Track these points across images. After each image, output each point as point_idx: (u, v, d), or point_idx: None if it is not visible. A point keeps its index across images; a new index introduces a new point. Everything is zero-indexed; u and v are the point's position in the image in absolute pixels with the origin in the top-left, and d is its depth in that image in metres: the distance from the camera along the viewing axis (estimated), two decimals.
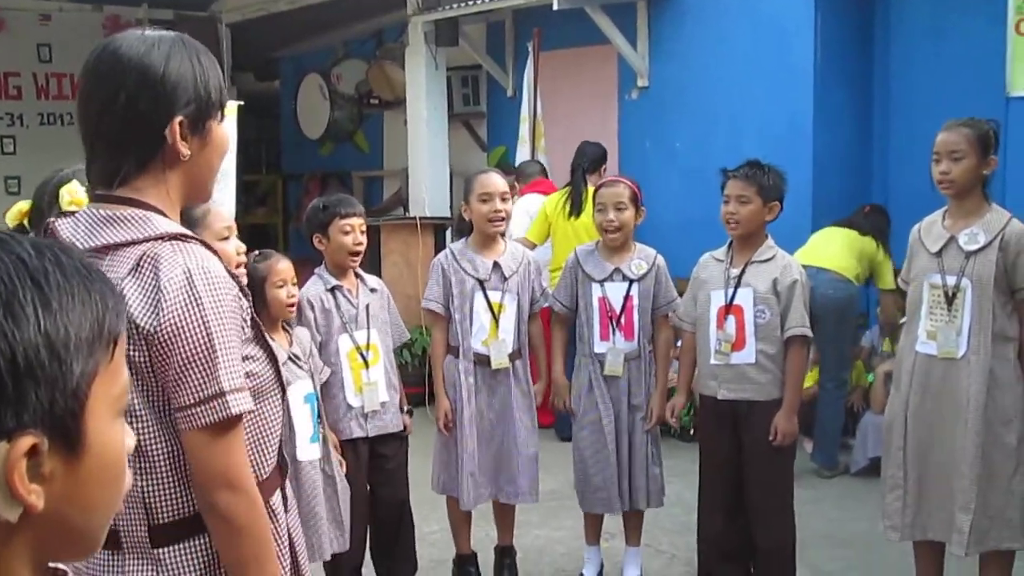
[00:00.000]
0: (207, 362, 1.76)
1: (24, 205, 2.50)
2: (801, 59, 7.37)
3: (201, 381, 1.76)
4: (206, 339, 1.76)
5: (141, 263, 1.77)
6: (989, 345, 3.91)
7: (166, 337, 1.74)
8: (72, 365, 0.96)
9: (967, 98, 6.59)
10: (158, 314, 1.74)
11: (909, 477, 4.11)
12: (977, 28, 7.02)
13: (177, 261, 1.77)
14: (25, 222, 2.47)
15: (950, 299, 3.99)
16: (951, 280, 4.00)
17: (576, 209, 7.00)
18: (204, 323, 1.76)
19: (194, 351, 1.75)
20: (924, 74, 7.35)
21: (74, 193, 2.31)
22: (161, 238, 1.80)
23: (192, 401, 1.76)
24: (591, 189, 6.93)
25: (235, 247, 3.09)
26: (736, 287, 4.37)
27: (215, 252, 1.88)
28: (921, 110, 7.08)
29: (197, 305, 1.76)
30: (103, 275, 1.05)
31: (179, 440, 1.81)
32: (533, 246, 6.94)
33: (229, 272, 1.87)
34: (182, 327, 1.74)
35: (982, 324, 3.92)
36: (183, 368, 1.75)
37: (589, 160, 7.35)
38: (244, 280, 3.12)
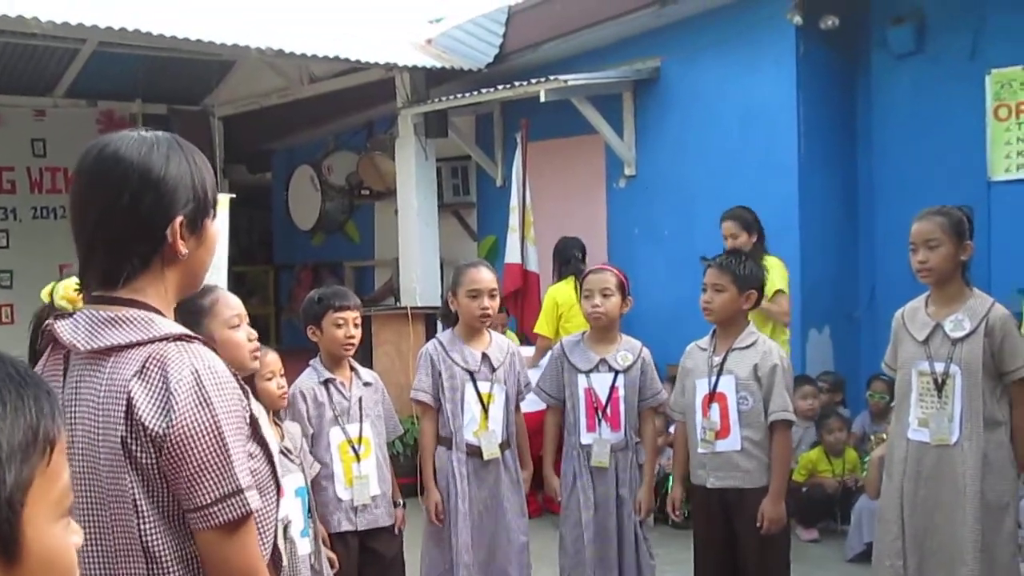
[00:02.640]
0: (222, 462, 1.76)
1: (52, 287, 2.48)
2: (785, 147, 7.49)
3: (218, 480, 1.76)
4: (219, 439, 1.76)
5: (147, 365, 1.78)
6: (981, 430, 3.93)
7: (178, 439, 1.74)
8: (5, 475, 0.96)
9: (950, 183, 6.71)
10: (169, 417, 1.74)
11: (909, 565, 4.09)
12: (957, 115, 7.15)
13: (184, 362, 1.78)
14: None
15: (940, 386, 4.01)
16: (939, 367, 4.02)
17: None
18: (216, 424, 1.76)
19: (208, 452, 1.75)
20: (907, 160, 7.47)
21: (67, 289, 2.31)
22: (165, 339, 1.81)
23: (209, 500, 1.76)
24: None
25: (247, 334, 3.07)
26: (719, 375, 4.38)
27: (215, 350, 1.89)
28: (905, 195, 7.18)
29: (207, 406, 1.76)
30: (37, 379, 1.06)
31: (189, 540, 1.80)
32: (549, 343, 6.89)
33: (230, 370, 1.87)
34: (195, 429, 1.74)
35: (973, 410, 3.94)
36: (198, 469, 1.75)
37: (582, 249, 7.47)
38: (257, 366, 3.13)
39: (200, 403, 1.76)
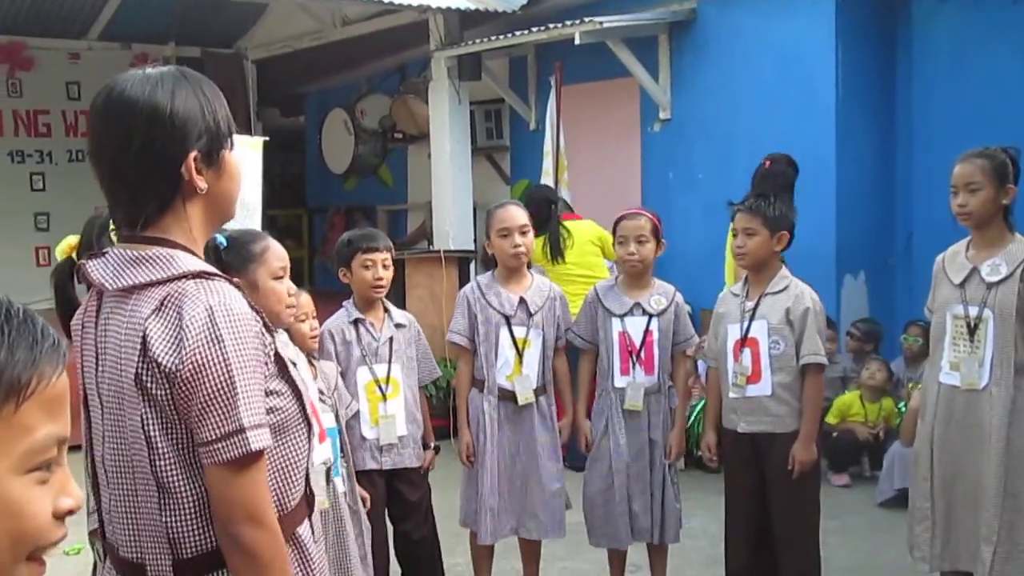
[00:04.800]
0: (227, 399, 1.78)
1: (73, 240, 2.51)
2: (823, 90, 7.39)
3: (222, 418, 1.78)
4: (227, 376, 1.78)
5: (165, 302, 1.80)
6: (1012, 376, 3.88)
7: (188, 375, 1.76)
8: None
9: (989, 127, 6.58)
10: (180, 352, 1.76)
11: (937, 508, 4.09)
12: (999, 58, 7.02)
13: (200, 299, 1.79)
14: (74, 255, 2.48)
15: (972, 330, 3.97)
16: (973, 311, 3.98)
17: (559, 254, 6.97)
18: (225, 361, 1.78)
19: (215, 388, 1.77)
20: (946, 104, 7.35)
21: (67, 246, 2.33)
22: (185, 276, 1.82)
23: (213, 437, 1.78)
24: (573, 232, 6.93)
25: (287, 287, 3.10)
26: (751, 320, 4.37)
27: (239, 288, 1.90)
28: (944, 140, 7.07)
29: (218, 343, 1.77)
30: (27, 325, 1.06)
31: (202, 476, 1.83)
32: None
33: (252, 308, 1.88)
34: (203, 365, 1.76)
35: (1004, 355, 3.90)
36: (205, 405, 1.77)
37: (561, 204, 7.34)
38: (292, 320, 3.18)
39: (211, 339, 1.77)
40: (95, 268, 1.88)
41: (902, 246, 7.72)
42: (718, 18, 8.01)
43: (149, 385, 1.79)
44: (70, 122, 10.79)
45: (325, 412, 3.85)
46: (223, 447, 1.78)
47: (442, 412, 7.23)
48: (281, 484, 1.96)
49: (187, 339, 1.76)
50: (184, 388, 1.77)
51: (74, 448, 1.23)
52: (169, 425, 1.81)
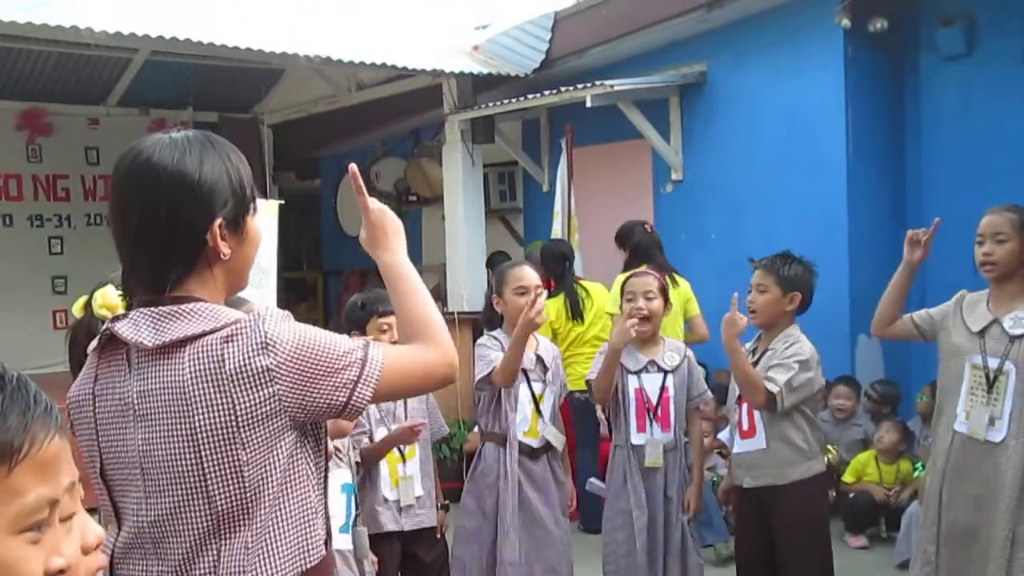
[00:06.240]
0: (332, 348, 1.88)
1: (85, 300, 2.52)
2: (833, 149, 7.43)
3: (343, 360, 1.88)
4: (311, 338, 1.87)
5: (233, 336, 1.82)
6: None
7: (290, 353, 1.82)
8: None
9: (1000, 183, 6.62)
10: (276, 349, 1.81)
11: (941, 554, 4.06)
12: (1007, 117, 7.05)
13: (257, 319, 1.85)
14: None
15: (991, 382, 3.97)
16: (993, 363, 3.98)
17: (579, 314, 7.01)
18: (305, 331, 1.87)
19: (317, 351, 1.86)
20: (956, 164, 7.38)
21: (106, 297, 2.33)
22: (236, 323, 1.84)
23: (352, 379, 1.88)
24: (592, 293, 6.97)
25: None
26: None
27: None
28: (955, 200, 7.08)
29: (293, 329, 1.86)
30: (22, 392, 1.08)
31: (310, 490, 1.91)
32: None
33: None
34: (296, 339, 1.84)
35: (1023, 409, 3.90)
36: (322, 367, 1.85)
37: (571, 260, 7.42)
38: None
39: (289, 329, 1.85)
40: (126, 328, 1.86)
41: (915, 306, 7.70)
42: (728, 80, 8.09)
43: (257, 409, 1.81)
44: (88, 187, 10.92)
45: (341, 467, 3.83)
46: (366, 377, 1.89)
47: (455, 475, 7.20)
48: (318, 517, 1.97)
49: (273, 335, 1.82)
50: (294, 366, 1.82)
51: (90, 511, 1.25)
52: (293, 450, 1.87)
